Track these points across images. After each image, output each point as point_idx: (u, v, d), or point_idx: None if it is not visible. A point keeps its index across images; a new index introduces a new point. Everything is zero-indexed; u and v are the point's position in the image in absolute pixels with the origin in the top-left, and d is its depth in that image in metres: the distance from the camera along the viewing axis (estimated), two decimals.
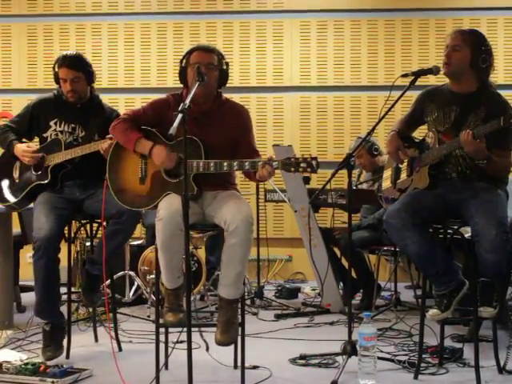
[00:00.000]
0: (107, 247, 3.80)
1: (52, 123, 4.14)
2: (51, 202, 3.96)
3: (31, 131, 4.24)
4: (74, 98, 4.13)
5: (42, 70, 7.56)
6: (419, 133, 4.01)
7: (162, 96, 3.74)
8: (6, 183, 4.21)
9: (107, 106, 4.31)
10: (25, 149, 4.11)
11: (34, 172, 4.12)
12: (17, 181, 4.18)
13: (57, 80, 4.16)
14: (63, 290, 4.26)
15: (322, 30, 7.44)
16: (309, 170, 3.26)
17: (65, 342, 4.02)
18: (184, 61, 3.64)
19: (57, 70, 4.13)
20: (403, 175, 3.98)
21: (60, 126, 4.14)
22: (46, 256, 3.80)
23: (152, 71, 7.55)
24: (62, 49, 7.48)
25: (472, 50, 3.61)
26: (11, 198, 4.18)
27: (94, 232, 4.29)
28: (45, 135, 4.15)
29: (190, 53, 3.63)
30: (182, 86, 3.70)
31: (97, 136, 4.11)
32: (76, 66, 4.10)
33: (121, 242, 4.01)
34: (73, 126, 4.15)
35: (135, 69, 7.55)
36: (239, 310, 3.51)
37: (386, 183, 4.21)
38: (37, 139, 4.28)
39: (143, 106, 3.74)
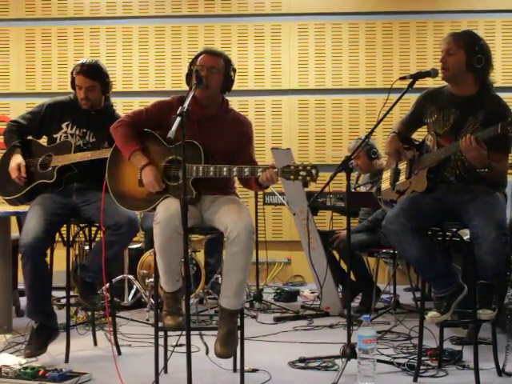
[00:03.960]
0: (101, 257, 3.81)
1: (64, 125, 4.16)
2: (44, 208, 3.96)
3: (40, 131, 4.25)
4: (87, 106, 4.14)
5: (41, 74, 7.57)
6: (420, 135, 4.01)
7: (166, 98, 3.73)
8: (9, 177, 4.15)
9: (120, 115, 4.31)
10: (18, 165, 4.07)
11: (40, 170, 4.12)
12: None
13: (73, 85, 4.18)
14: (62, 294, 4.26)
15: (319, 32, 7.45)
16: (308, 178, 3.28)
17: (61, 346, 4.04)
18: (192, 64, 3.63)
19: (74, 76, 4.14)
20: (402, 177, 3.98)
21: (72, 129, 4.15)
22: (31, 262, 3.83)
23: (150, 75, 7.55)
24: (60, 53, 7.51)
25: (466, 52, 3.60)
26: (14, 192, 4.15)
27: (92, 236, 4.29)
28: (55, 136, 4.16)
29: (197, 56, 3.63)
30: (180, 89, 3.70)
31: (106, 144, 4.09)
32: (92, 74, 4.12)
33: (116, 252, 4.00)
34: (84, 130, 4.16)
35: (133, 72, 7.55)
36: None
37: (385, 184, 4.22)
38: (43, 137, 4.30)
39: (146, 108, 3.73)
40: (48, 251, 4.10)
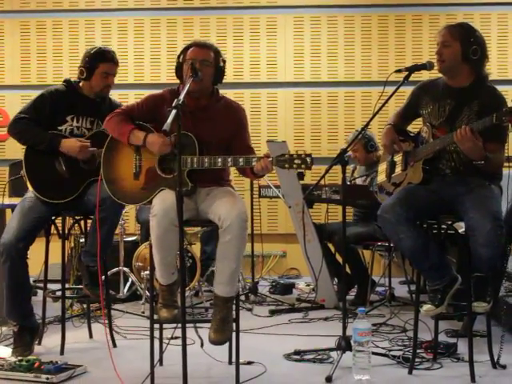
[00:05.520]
0: (98, 237, 3.78)
1: (69, 118, 4.07)
2: (28, 208, 3.92)
3: (46, 123, 4.05)
4: (107, 93, 4.16)
5: (36, 66, 7.55)
6: (415, 127, 4.01)
7: (158, 91, 3.73)
8: (53, 180, 4.02)
9: (116, 101, 4.30)
10: (82, 144, 3.97)
11: (84, 165, 4.02)
12: (67, 176, 4.03)
13: (89, 73, 4.06)
14: (57, 286, 4.26)
15: (315, 25, 7.44)
16: (303, 166, 3.28)
17: (57, 338, 4.04)
18: (181, 56, 3.63)
19: (98, 63, 4.05)
20: (398, 169, 3.98)
21: (78, 122, 4.09)
22: (9, 262, 3.82)
23: (145, 67, 7.54)
24: (55, 45, 7.48)
25: (461, 43, 3.60)
26: (68, 194, 4.01)
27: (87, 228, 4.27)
28: (60, 128, 4.05)
29: (186, 49, 3.62)
30: (176, 81, 3.69)
31: None
32: (118, 62, 4.16)
33: (109, 229, 3.96)
34: (91, 119, 4.12)
35: (129, 64, 7.52)
36: (234, 307, 3.51)
37: (381, 177, 4.22)
38: None
39: (138, 101, 3.72)
40: (45, 247, 4.11)
